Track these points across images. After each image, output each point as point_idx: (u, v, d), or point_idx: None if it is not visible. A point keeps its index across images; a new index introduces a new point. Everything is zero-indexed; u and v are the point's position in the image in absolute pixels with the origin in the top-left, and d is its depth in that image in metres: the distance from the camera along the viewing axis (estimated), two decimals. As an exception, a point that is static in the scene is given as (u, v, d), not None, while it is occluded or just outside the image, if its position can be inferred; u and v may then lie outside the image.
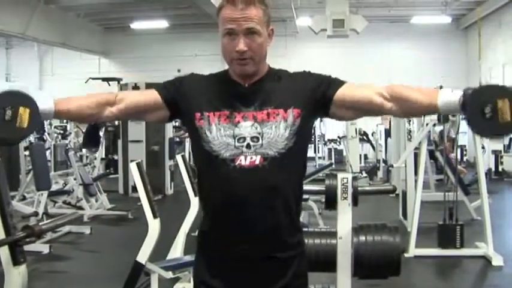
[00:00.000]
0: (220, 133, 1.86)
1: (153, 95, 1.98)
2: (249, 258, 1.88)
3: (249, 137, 1.85)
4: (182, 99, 1.95)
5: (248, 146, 1.84)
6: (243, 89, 1.92)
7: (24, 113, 1.73)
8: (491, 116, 1.61)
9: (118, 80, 12.65)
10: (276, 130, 1.85)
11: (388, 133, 13.82)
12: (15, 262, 2.46)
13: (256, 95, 1.91)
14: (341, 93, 1.91)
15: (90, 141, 11.64)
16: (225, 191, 1.87)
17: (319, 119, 19.35)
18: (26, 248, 2.56)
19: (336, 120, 2.03)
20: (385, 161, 13.33)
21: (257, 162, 1.84)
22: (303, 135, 1.91)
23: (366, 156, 16.63)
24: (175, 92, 1.97)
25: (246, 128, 1.86)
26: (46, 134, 15.14)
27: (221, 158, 1.85)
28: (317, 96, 1.91)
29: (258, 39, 1.86)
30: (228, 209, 1.87)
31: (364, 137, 14.62)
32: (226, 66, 1.93)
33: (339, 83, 1.93)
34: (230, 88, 1.93)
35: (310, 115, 1.93)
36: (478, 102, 1.63)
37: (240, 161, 1.84)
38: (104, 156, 14.04)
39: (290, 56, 18.05)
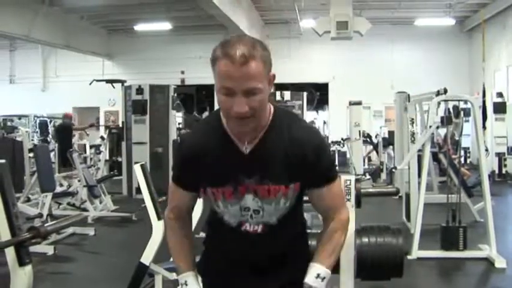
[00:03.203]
0: (228, 208, 1.94)
1: (183, 192, 2.04)
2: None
3: (251, 209, 1.93)
4: (193, 176, 1.96)
5: (251, 217, 1.94)
6: (243, 156, 1.87)
7: None
8: None
9: (122, 82, 12.66)
10: (275, 206, 1.92)
11: (386, 140, 13.85)
12: (21, 263, 2.48)
13: (257, 164, 1.87)
14: (315, 191, 1.96)
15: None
16: (230, 251, 2.02)
17: (323, 120, 19.33)
18: (31, 249, 2.57)
19: None
20: (381, 163, 13.34)
21: (259, 230, 1.95)
22: (299, 199, 1.99)
23: (369, 159, 16.63)
24: (187, 176, 2.00)
25: (249, 199, 1.92)
26: (50, 135, 15.20)
27: (230, 226, 1.97)
28: (310, 174, 1.91)
29: (258, 97, 1.73)
30: (231, 268, 2.03)
31: (368, 139, 14.62)
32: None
33: (327, 180, 1.95)
34: (230, 157, 1.88)
35: (305, 180, 1.95)
36: None
37: (246, 226, 1.95)
38: (107, 158, 14.08)
39: (294, 58, 18.10)
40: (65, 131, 12.94)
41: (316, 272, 1.92)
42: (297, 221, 2.07)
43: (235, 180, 1.88)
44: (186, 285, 2.00)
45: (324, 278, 1.91)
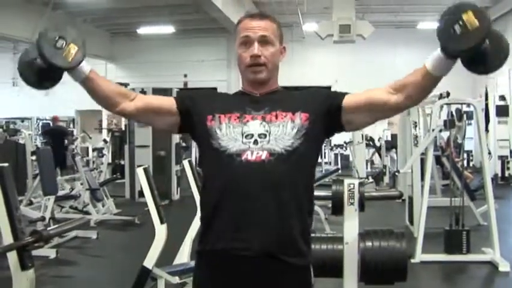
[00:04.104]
0: (230, 130, 1.92)
1: (169, 101, 2.06)
2: (250, 256, 1.85)
3: (256, 134, 1.90)
4: (195, 107, 2.02)
5: (255, 142, 1.88)
6: (255, 97, 2.02)
7: (72, 49, 1.92)
8: (462, 31, 1.75)
9: (125, 85, 12.66)
10: (283, 129, 1.91)
11: (389, 143, 13.84)
12: (23, 267, 2.47)
13: (267, 102, 1.99)
14: (348, 99, 1.98)
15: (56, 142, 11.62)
16: (228, 183, 1.87)
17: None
18: (33, 252, 2.57)
19: (353, 130, 2.13)
20: (384, 166, 13.34)
21: (263, 157, 1.86)
22: (310, 140, 1.92)
23: (372, 162, 16.63)
24: (189, 101, 2.05)
25: (255, 126, 1.92)
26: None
27: (228, 153, 1.88)
28: (326, 106, 1.98)
29: (271, 49, 1.98)
30: (230, 201, 1.87)
31: (370, 142, 14.61)
32: (232, 72, 1.98)
33: (346, 92, 2.03)
34: (243, 97, 2.05)
35: (319, 122, 1.95)
36: (447, 25, 1.77)
37: (247, 155, 1.87)
38: (110, 161, 14.08)
39: (296, 62, 18.04)
40: (57, 135, 13.01)
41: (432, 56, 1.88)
42: (306, 174, 1.97)
43: (243, 109, 1.97)
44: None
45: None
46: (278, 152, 1.87)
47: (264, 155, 1.86)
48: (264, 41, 1.97)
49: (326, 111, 1.97)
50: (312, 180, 2.05)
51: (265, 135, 1.89)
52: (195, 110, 2.01)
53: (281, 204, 1.86)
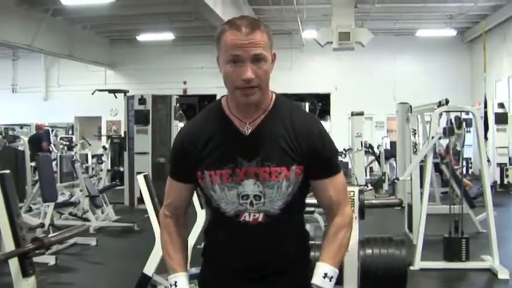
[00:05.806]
0: (225, 193, 1.87)
1: (180, 186, 1.98)
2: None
3: (252, 195, 1.85)
4: (189, 165, 1.90)
5: (251, 204, 1.86)
6: (244, 138, 1.86)
7: None
8: None
9: (124, 92, 12.67)
10: (277, 190, 1.85)
11: (388, 151, 13.86)
12: (25, 274, 2.48)
13: (258, 146, 1.85)
14: (319, 182, 1.91)
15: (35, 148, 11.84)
16: (228, 239, 1.92)
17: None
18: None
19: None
20: (384, 174, 13.34)
21: (260, 219, 1.88)
22: (302, 188, 1.91)
23: (371, 169, 16.63)
24: (183, 167, 1.94)
25: (249, 186, 1.85)
26: (52, 145, 15.25)
27: (227, 215, 1.89)
28: (314, 161, 1.87)
29: (264, 66, 1.79)
30: (234, 264, 1.93)
31: (370, 150, 14.61)
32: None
33: (331, 170, 1.93)
34: (230, 139, 1.87)
35: (309, 169, 1.89)
36: None
37: (245, 217, 1.88)
38: (109, 167, 14.09)
39: (296, 69, 18.11)
40: (34, 142, 13.28)
41: (323, 271, 1.84)
42: (299, 221, 2.02)
43: (234, 162, 1.84)
44: (176, 286, 1.94)
45: (332, 277, 1.84)
46: (274, 213, 1.87)
47: (260, 217, 1.87)
48: (257, 59, 1.77)
49: (312, 158, 1.87)
50: (303, 208, 2.06)
51: (259, 197, 1.85)
52: (192, 168, 1.91)
53: (279, 257, 1.93)
